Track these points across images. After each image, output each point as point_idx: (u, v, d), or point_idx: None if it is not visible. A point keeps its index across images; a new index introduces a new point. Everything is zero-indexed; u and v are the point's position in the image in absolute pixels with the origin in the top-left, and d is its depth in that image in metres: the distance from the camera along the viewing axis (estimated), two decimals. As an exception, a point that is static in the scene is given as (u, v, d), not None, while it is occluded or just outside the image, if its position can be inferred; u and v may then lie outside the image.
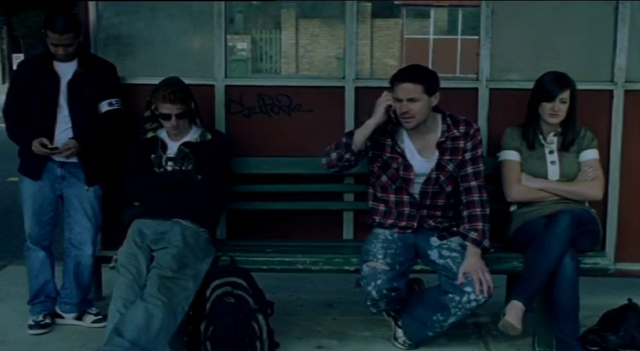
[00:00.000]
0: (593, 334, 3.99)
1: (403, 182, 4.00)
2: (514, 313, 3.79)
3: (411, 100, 3.85)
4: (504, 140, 4.22)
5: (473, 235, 3.91)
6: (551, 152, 4.16)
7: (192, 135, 4.17)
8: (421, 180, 3.99)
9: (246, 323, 3.75)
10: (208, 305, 3.78)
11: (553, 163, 4.14)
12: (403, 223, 4.04)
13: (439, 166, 3.98)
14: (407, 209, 4.04)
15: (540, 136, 4.18)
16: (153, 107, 4.09)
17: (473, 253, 3.88)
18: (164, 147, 4.14)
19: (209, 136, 4.17)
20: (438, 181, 3.98)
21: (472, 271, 3.80)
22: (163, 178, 4.09)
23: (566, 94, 4.08)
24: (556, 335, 3.89)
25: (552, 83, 4.09)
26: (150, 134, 4.16)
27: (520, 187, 4.13)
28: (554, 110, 4.08)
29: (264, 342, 3.79)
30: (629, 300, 4.08)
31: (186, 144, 4.13)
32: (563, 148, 4.15)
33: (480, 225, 3.92)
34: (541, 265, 3.82)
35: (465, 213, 3.96)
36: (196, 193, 4.08)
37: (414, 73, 3.92)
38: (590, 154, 4.18)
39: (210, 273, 3.89)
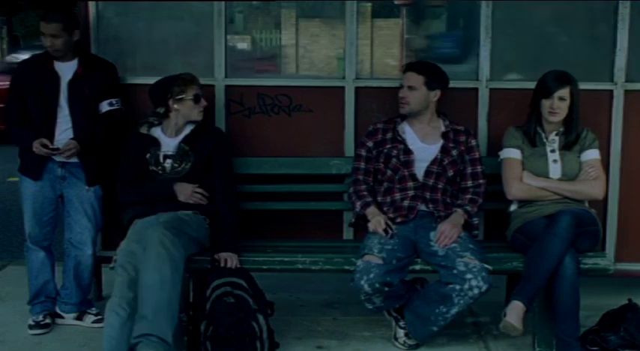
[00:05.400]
0: (593, 334, 3.99)
1: (405, 167, 4.14)
2: (515, 313, 3.79)
3: (410, 87, 4.17)
4: (506, 138, 4.23)
5: (468, 207, 4.15)
6: (552, 151, 4.16)
7: (190, 128, 4.18)
8: (426, 164, 4.16)
9: (246, 323, 3.75)
10: (208, 305, 3.78)
11: (555, 161, 4.14)
12: (407, 202, 4.13)
13: (444, 149, 4.19)
14: (411, 192, 4.15)
15: (543, 135, 4.18)
16: (178, 97, 4.11)
17: (459, 215, 4.10)
18: (158, 145, 4.13)
19: (206, 128, 4.20)
20: (442, 163, 4.16)
21: (451, 225, 3.99)
22: (152, 191, 4.10)
23: (564, 92, 4.08)
24: (556, 335, 3.89)
25: (552, 80, 4.11)
26: (144, 129, 4.15)
27: (521, 184, 4.13)
28: (553, 108, 4.09)
29: (264, 342, 3.79)
30: (629, 300, 4.08)
31: (185, 140, 4.13)
32: (565, 147, 4.16)
33: (476, 209, 4.18)
34: (541, 265, 3.82)
35: (469, 197, 4.19)
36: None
37: (421, 65, 4.28)
38: (592, 154, 4.18)
39: (210, 273, 3.89)
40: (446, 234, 3.97)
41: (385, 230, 4.02)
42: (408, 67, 4.26)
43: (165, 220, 3.82)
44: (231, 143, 4.36)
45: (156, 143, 4.14)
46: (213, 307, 3.77)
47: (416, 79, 4.17)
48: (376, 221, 4.07)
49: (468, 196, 4.18)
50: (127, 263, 3.76)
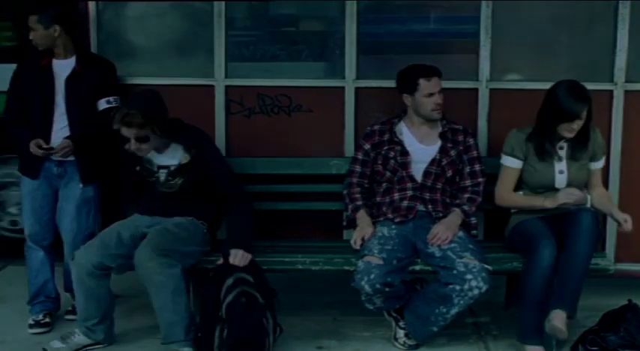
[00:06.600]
0: (593, 334, 3.98)
1: (403, 169, 4.14)
2: (559, 319, 3.78)
3: (440, 91, 4.16)
4: (508, 143, 4.11)
5: (466, 207, 4.13)
6: (559, 160, 4.06)
7: (176, 154, 4.03)
8: (424, 165, 4.16)
9: (259, 322, 3.75)
10: (224, 307, 3.74)
11: (561, 172, 4.05)
12: (405, 203, 4.13)
13: (442, 150, 4.18)
14: (409, 193, 4.15)
15: (551, 147, 4.04)
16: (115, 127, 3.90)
17: (456, 215, 4.09)
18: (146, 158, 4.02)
19: (194, 152, 4.02)
20: (441, 163, 4.16)
21: (445, 227, 3.99)
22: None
23: (585, 113, 3.94)
24: (518, 323, 3.91)
25: (574, 103, 3.88)
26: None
27: (509, 194, 4.09)
28: (573, 128, 3.95)
29: (270, 336, 3.79)
30: (629, 300, 4.07)
31: (178, 168, 4.02)
32: (573, 157, 4.05)
33: (474, 209, 4.16)
34: (573, 269, 3.81)
35: (467, 196, 4.18)
36: (197, 197, 4.08)
37: (437, 68, 4.19)
38: (601, 164, 4.15)
39: (220, 271, 3.86)
40: (439, 236, 3.97)
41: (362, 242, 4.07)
42: (431, 74, 4.14)
43: (156, 243, 3.83)
44: (212, 141, 4.21)
45: (139, 158, 4.02)
46: (228, 310, 3.73)
47: (441, 82, 4.16)
48: (359, 234, 4.09)
49: (467, 195, 4.18)
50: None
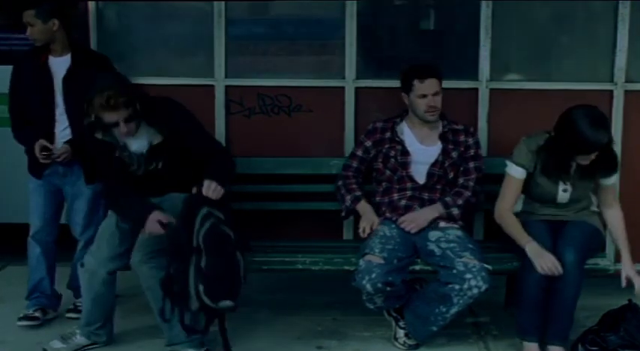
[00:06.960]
0: (593, 334, 3.98)
1: (403, 168, 4.14)
2: None
3: (435, 94, 4.08)
4: (518, 153, 3.97)
5: (448, 198, 4.13)
6: (566, 178, 3.96)
7: (147, 135, 3.81)
8: (425, 166, 4.15)
9: (232, 258, 3.63)
10: (201, 237, 3.57)
11: (565, 191, 3.97)
12: (404, 202, 4.14)
13: (444, 152, 4.15)
14: (409, 193, 4.15)
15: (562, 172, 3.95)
16: (93, 117, 3.69)
17: (433, 208, 4.11)
18: (122, 145, 3.82)
19: (166, 131, 3.81)
20: (443, 165, 4.15)
21: (412, 218, 4.05)
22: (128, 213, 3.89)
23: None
24: (516, 320, 3.93)
25: (594, 135, 3.70)
26: (99, 135, 3.79)
27: (509, 215, 3.99)
28: (591, 158, 3.82)
29: (241, 277, 3.67)
30: (629, 300, 4.07)
31: (150, 150, 3.83)
32: (582, 176, 3.94)
33: (460, 201, 4.12)
34: (564, 307, 3.82)
35: (455, 189, 4.17)
36: (189, 172, 3.87)
37: (435, 69, 4.15)
38: (614, 180, 4.06)
39: (192, 200, 3.69)
40: (405, 225, 4.04)
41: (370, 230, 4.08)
42: (425, 75, 4.08)
43: (146, 246, 3.78)
44: (184, 110, 3.91)
45: (118, 145, 3.84)
46: (206, 239, 3.57)
47: (438, 84, 4.09)
48: (367, 222, 4.10)
49: (455, 189, 4.17)
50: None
